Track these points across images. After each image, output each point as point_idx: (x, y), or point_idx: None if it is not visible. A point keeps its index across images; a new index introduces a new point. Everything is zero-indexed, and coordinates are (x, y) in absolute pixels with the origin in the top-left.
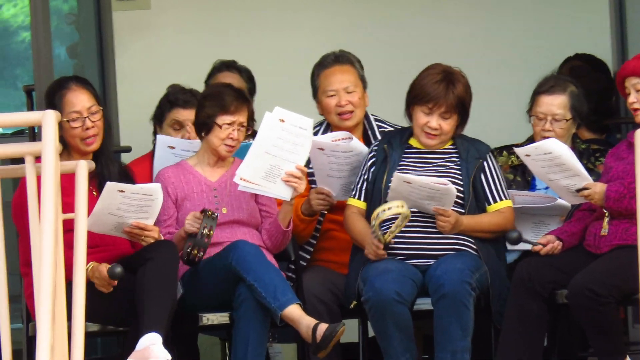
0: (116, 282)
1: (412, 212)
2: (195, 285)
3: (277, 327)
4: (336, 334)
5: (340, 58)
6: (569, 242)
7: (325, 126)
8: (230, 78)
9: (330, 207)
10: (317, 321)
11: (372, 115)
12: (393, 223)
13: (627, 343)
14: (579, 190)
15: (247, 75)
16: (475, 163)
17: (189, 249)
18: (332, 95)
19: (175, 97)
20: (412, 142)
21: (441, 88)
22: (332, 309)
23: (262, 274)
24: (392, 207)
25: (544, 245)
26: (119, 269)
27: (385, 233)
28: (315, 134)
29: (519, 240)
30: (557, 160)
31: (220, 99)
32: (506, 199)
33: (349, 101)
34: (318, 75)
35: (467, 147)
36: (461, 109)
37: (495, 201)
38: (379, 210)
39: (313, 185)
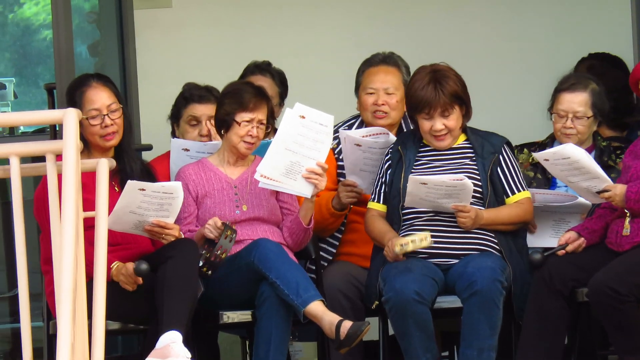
0: (141, 280)
1: (434, 212)
2: (217, 283)
3: (298, 325)
4: (361, 333)
5: (387, 59)
6: (590, 240)
7: (359, 123)
8: (261, 81)
9: (358, 199)
10: (340, 318)
11: None
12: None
13: None
14: (599, 192)
15: (279, 79)
16: (491, 158)
17: (201, 263)
18: (371, 93)
19: (190, 93)
20: (426, 140)
21: (430, 90)
22: (356, 305)
23: (285, 271)
24: (416, 241)
25: (565, 248)
26: (144, 266)
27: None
28: (350, 127)
29: (542, 262)
30: (575, 164)
31: (238, 97)
32: (524, 189)
33: (386, 102)
34: (363, 72)
35: (481, 143)
36: (459, 102)
37: (513, 193)
38: (402, 242)
39: (340, 178)
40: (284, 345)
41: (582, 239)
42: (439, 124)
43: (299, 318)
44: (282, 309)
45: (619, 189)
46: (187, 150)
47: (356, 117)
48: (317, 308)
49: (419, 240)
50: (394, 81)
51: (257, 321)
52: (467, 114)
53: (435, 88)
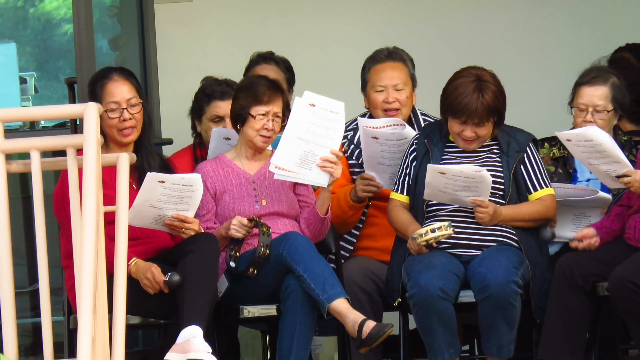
0: (168, 289)
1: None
2: (242, 277)
3: (318, 319)
4: (383, 334)
5: (393, 54)
6: (604, 239)
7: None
8: (268, 70)
9: (376, 194)
10: (364, 317)
11: (419, 109)
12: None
13: None
14: (619, 177)
15: (284, 66)
16: (516, 156)
17: (244, 265)
18: (380, 91)
19: (211, 89)
20: (453, 139)
21: (471, 101)
22: (374, 299)
23: (313, 265)
24: (435, 231)
25: (580, 240)
26: (176, 277)
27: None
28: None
29: (552, 238)
30: (597, 147)
31: (253, 90)
32: (547, 186)
33: (397, 99)
34: (369, 69)
35: (507, 140)
36: (496, 115)
37: (535, 189)
38: (422, 231)
39: (354, 176)
40: (308, 339)
41: (596, 238)
42: (469, 132)
43: (322, 314)
44: (307, 303)
45: (639, 175)
46: (228, 139)
47: (364, 115)
48: (341, 305)
49: (438, 229)
50: (401, 77)
51: (282, 315)
52: (499, 122)
53: (478, 99)
